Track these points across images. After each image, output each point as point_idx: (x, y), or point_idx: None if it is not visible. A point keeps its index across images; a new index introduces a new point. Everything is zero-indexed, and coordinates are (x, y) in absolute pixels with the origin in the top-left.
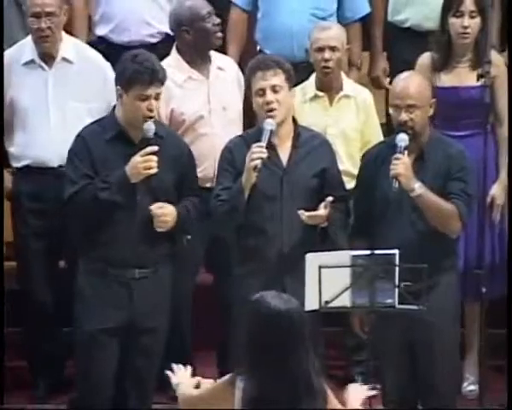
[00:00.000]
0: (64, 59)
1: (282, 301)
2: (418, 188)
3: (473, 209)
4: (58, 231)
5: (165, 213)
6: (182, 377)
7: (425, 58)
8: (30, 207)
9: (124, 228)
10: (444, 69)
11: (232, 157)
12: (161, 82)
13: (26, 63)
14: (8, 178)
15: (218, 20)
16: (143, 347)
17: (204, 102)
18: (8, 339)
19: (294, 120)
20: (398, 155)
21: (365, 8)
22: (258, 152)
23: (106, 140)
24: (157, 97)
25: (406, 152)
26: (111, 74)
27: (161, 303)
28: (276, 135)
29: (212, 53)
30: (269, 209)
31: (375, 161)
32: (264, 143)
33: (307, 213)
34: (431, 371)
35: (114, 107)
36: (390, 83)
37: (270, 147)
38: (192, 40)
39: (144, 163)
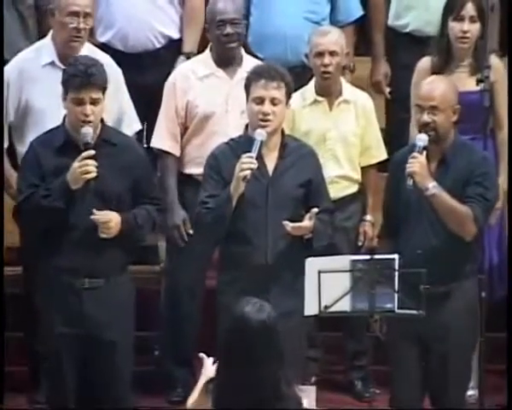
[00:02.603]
0: None
1: (254, 308)
2: (432, 187)
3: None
4: None
5: (107, 219)
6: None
7: (424, 62)
8: None
9: (73, 236)
10: (443, 73)
11: (218, 164)
12: (97, 87)
13: (46, 65)
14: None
15: (230, 31)
16: (103, 357)
17: (221, 100)
18: (9, 343)
19: (282, 130)
20: (415, 154)
21: (358, 12)
22: (248, 163)
23: (55, 148)
24: (94, 102)
25: (424, 152)
26: (121, 77)
27: (119, 315)
28: (264, 145)
29: (246, 57)
30: (254, 218)
31: (400, 164)
32: (254, 154)
33: (292, 225)
34: (444, 375)
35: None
36: (390, 90)
37: (258, 156)
38: (210, 39)
39: (81, 168)
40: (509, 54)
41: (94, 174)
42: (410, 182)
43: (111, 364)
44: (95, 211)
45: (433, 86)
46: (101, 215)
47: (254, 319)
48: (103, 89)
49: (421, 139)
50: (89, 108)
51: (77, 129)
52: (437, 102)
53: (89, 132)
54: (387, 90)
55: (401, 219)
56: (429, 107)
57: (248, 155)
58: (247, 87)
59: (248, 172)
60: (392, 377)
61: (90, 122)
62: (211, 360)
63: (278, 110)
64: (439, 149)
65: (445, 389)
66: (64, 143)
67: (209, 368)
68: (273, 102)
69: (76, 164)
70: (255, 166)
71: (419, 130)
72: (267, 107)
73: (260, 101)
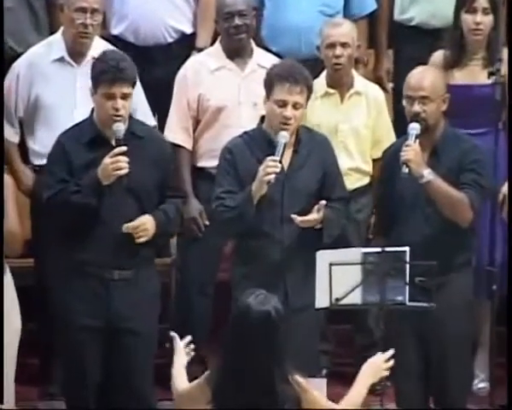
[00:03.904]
0: (94, 58)
1: (256, 300)
2: (427, 174)
3: (487, 202)
4: None
5: (142, 222)
6: (179, 347)
7: (437, 56)
8: None
9: (104, 229)
10: (456, 66)
11: (233, 159)
12: (128, 81)
13: (55, 60)
14: (28, 175)
15: (239, 23)
16: (126, 349)
17: (233, 93)
18: (22, 335)
19: None
20: (408, 142)
21: (372, 5)
22: (272, 166)
23: (84, 143)
24: (124, 97)
25: (417, 141)
26: (136, 75)
27: (144, 306)
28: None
29: (257, 49)
30: (270, 213)
31: (393, 158)
32: (278, 158)
33: (300, 218)
34: (442, 368)
35: (93, 109)
36: (394, 84)
37: (272, 153)
38: (219, 32)
39: (113, 164)
40: (509, 51)
41: (126, 170)
42: (405, 170)
43: (135, 356)
44: (125, 225)
45: (422, 76)
46: (134, 223)
47: (256, 310)
48: (133, 83)
49: (414, 128)
50: (120, 103)
51: (107, 124)
52: (427, 92)
53: (120, 129)
54: (390, 85)
55: (395, 213)
56: (419, 97)
57: (273, 158)
58: (270, 86)
59: (273, 176)
60: (394, 372)
61: (120, 116)
62: (182, 342)
63: (299, 114)
64: (429, 140)
65: (446, 386)
66: (93, 137)
67: (179, 349)
68: (295, 106)
69: (108, 160)
70: (279, 169)
71: (410, 120)
72: (289, 111)
73: (283, 104)
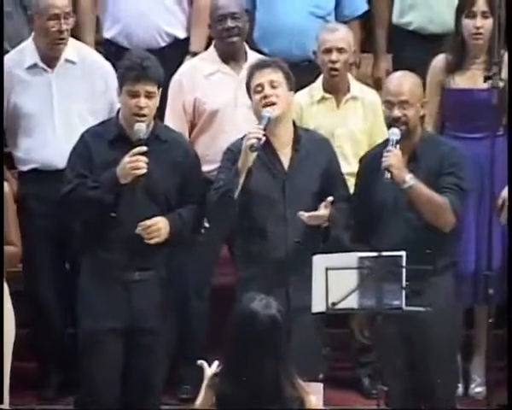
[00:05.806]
0: (67, 60)
1: (260, 305)
2: (409, 179)
3: (485, 206)
4: (65, 233)
5: (155, 223)
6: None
7: (439, 60)
8: (37, 209)
9: (124, 230)
10: (458, 71)
11: (235, 157)
12: (152, 80)
13: (29, 67)
14: (13, 181)
15: (231, 25)
16: (145, 349)
17: (229, 97)
18: (16, 339)
19: (294, 123)
20: (389, 148)
21: (363, 7)
22: (255, 133)
23: (107, 141)
24: (148, 96)
25: (398, 146)
26: (112, 75)
27: (162, 305)
28: (275, 137)
29: (250, 53)
30: (273, 213)
31: (372, 164)
32: (262, 126)
33: (307, 214)
34: (427, 371)
35: (119, 109)
36: None
37: (272, 152)
38: (213, 35)
39: (131, 164)
40: (509, 49)
41: (144, 170)
42: (387, 176)
43: (154, 357)
44: (139, 227)
45: (400, 81)
46: (147, 223)
47: (263, 315)
48: (158, 83)
49: (394, 133)
50: (143, 101)
51: (130, 123)
52: (406, 97)
53: (142, 129)
54: None
55: (375, 219)
56: (399, 102)
57: (256, 126)
58: (248, 84)
59: (255, 140)
60: (384, 375)
61: (143, 115)
62: (211, 368)
63: (280, 92)
64: (409, 144)
65: (431, 388)
66: (116, 136)
67: (209, 375)
68: (272, 84)
69: (127, 159)
70: (263, 137)
71: (390, 125)
72: (267, 90)
73: (261, 88)
